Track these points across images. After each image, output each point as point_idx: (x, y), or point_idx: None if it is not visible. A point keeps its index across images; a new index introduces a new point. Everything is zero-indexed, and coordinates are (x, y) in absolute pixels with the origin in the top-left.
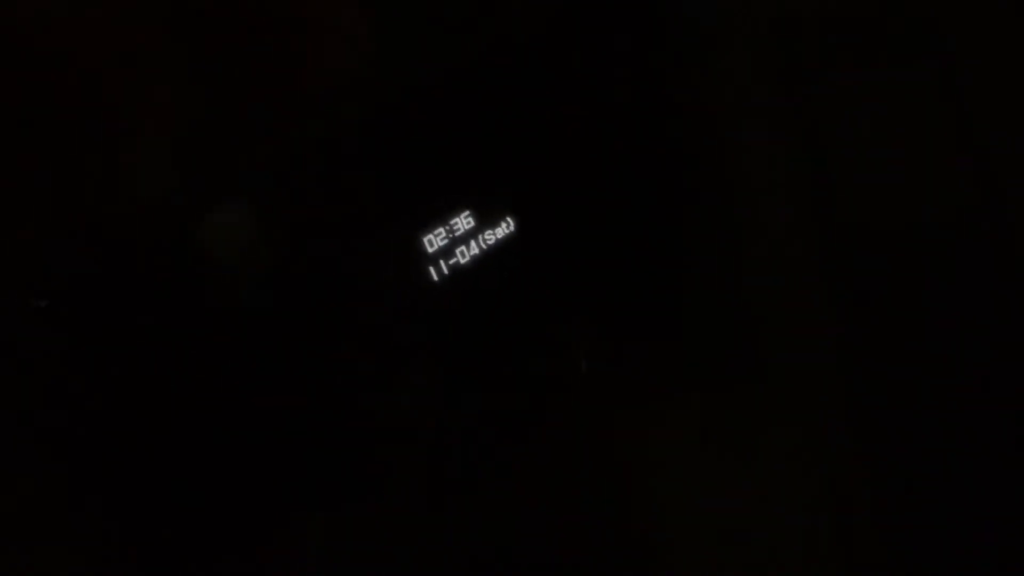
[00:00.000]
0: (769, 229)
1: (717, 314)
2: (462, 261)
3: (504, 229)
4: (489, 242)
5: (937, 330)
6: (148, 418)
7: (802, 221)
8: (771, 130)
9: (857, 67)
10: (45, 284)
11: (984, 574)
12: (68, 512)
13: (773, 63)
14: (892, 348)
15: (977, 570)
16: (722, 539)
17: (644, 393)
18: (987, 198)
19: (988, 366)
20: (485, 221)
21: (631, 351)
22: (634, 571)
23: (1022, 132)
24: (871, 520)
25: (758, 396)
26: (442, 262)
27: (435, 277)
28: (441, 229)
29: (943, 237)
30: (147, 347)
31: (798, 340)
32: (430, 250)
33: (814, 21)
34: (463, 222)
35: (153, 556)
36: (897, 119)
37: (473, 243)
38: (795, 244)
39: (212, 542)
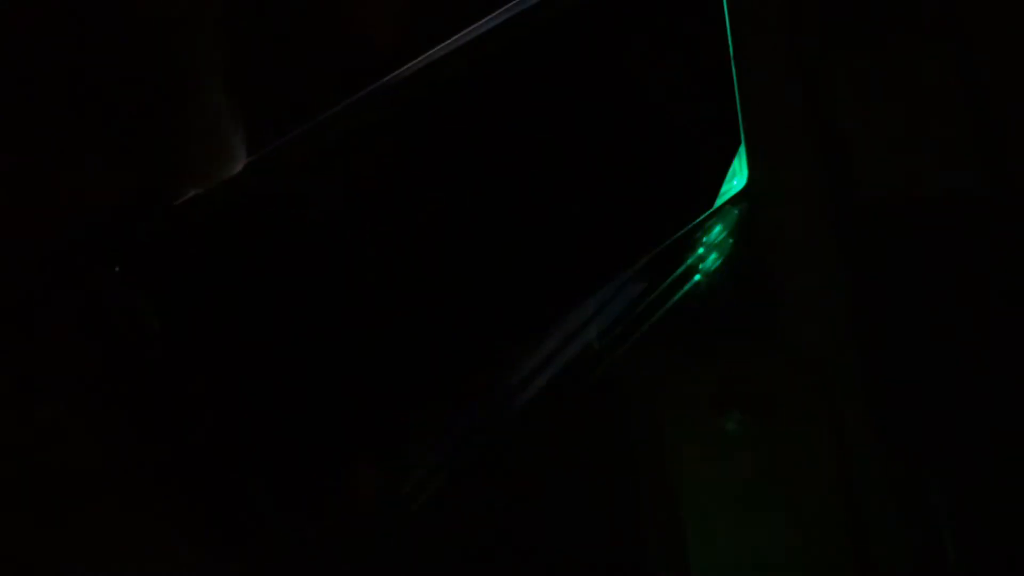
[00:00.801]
0: (788, 200)
1: (734, 283)
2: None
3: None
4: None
5: (951, 303)
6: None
7: (820, 193)
8: (790, 107)
9: (875, 47)
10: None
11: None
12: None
13: (792, 43)
14: (907, 320)
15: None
16: (736, 505)
17: (660, 365)
18: (1001, 173)
19: (1000, 339)
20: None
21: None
22: (647, 538)
23: None
24: (885, 491)
25: (774, 365)
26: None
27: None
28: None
29: (959, 210)
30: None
31: (815, 310)
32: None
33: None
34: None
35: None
36: (913, 97)
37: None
38: (814, 216)
39: None
